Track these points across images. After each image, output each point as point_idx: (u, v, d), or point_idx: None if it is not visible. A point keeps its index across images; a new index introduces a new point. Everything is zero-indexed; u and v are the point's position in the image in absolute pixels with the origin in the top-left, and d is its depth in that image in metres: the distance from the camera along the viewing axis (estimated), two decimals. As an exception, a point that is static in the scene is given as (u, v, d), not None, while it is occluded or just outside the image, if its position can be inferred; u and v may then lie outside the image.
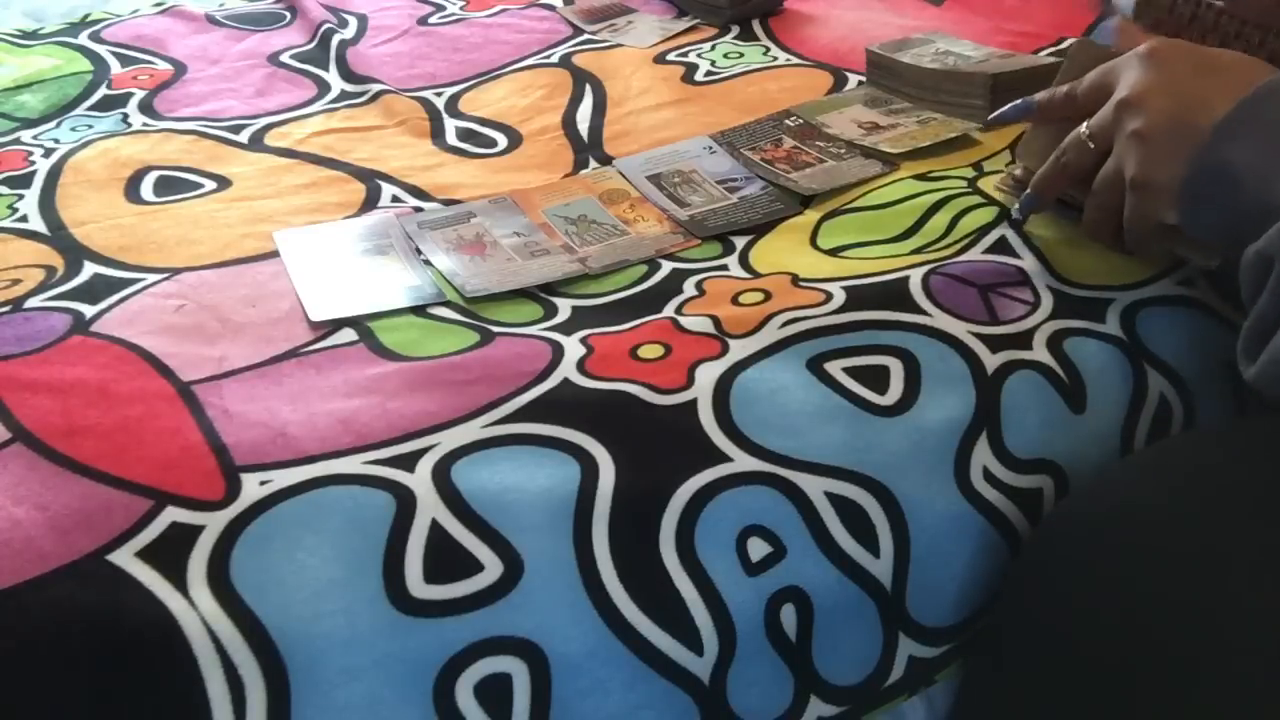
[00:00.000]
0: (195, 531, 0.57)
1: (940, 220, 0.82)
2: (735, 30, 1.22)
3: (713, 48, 1.17)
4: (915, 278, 0.75)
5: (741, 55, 1.15)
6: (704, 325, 0.72)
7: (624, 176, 0.93)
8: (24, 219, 0.89)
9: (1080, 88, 0.75)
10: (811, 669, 0.62)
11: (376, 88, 1.10)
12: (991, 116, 0.83)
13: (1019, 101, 0.80)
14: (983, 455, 0.66)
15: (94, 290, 0.79)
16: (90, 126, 1.06)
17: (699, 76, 1.11)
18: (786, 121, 0.99)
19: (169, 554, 0.56)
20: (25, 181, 0.95)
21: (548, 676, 0.57)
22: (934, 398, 0.67)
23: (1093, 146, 0.72)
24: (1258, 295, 0.60)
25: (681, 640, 0.59)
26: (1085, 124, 0.73)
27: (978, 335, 0.70)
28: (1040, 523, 0.66)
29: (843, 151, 0.94)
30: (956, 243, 0.80)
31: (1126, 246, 0.74)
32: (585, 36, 1.22)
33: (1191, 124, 0.65)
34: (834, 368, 0.68)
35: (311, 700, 0.54)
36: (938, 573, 0.64)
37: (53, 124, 1.07)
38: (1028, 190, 0.78)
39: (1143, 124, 0.68)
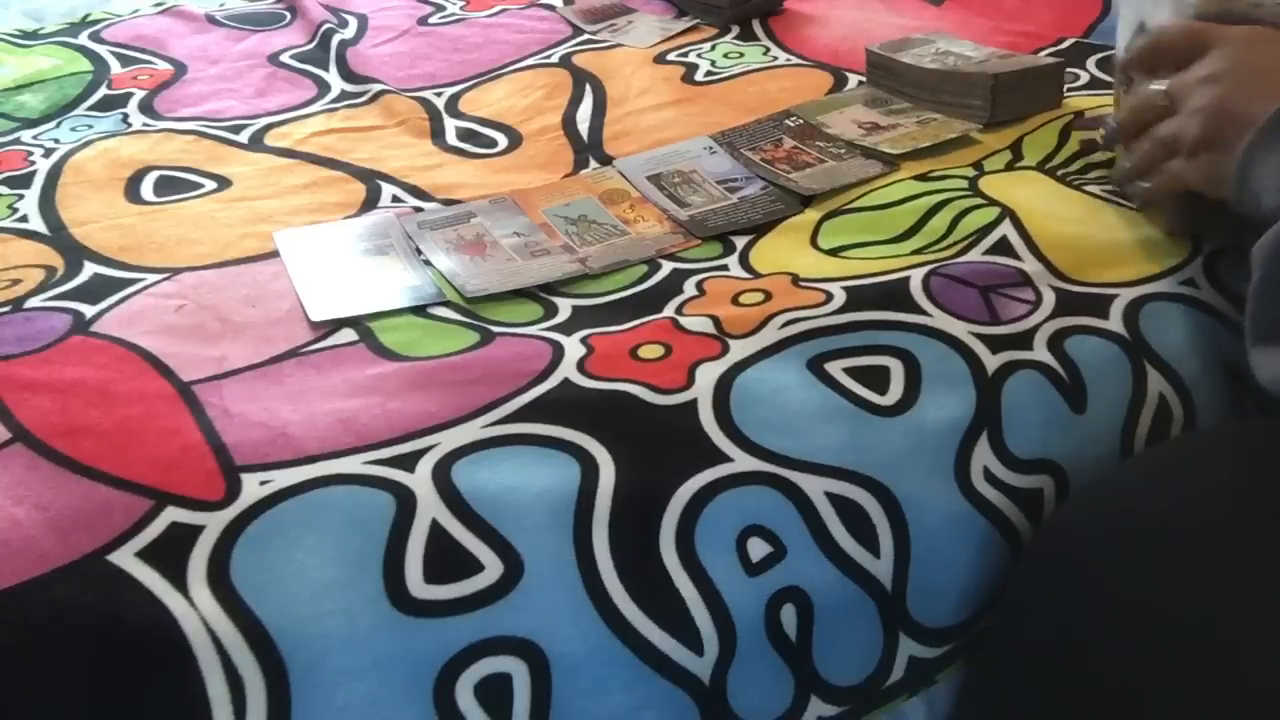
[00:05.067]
0: (195, 531, 0.57)
1: (941, 221, 0.82)
2: (735, 30, 1.22)
3: (713, 48, 1.17)
4: (916, 278, 0.74)
5: (741, 55, 1.15)
6: (704, 325, 0.72)
7: (624, 176, 0.93)
8: (24, 219, 0.89)
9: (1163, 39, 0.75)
10: (812, 669, 0.62)
11: (376, 88, 1.10)
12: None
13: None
14: (983, 455, 0.66)
15: (94, 290, 0.79)
16: (90, 126, 1.06)
17: (699, 76, 1.11)
18: (786, 121, 0.99)
19: (169, 554, 0.56)
20: (25, 181, 0.95)
21: (548, 676, 0.57)
22: (934, 398, 0.67)
23: (1166, 104, 0.73)
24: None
25: (681, 640, 0.59)
26: (1161, 94, 0.73)
27: (978, 335, 0.70)
28: (1042, 525, 0.66)
29: (843, 151, 0.94)
30: (957, 243, 0.79)
31: (1145, 196, 0.77)
32: (585, 36, 1.22)
33: (1250, 117, 0.66)
34: (834, 368, 0.68)
35: (311, 700, 0.54)
36: (938, 573, 0.64)
37: (53, 124, 1.07)
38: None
39: (1211, 101, 0.69)
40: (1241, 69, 0.69)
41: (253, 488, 0.60)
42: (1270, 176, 0.64)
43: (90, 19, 1.32)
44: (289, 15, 1.31)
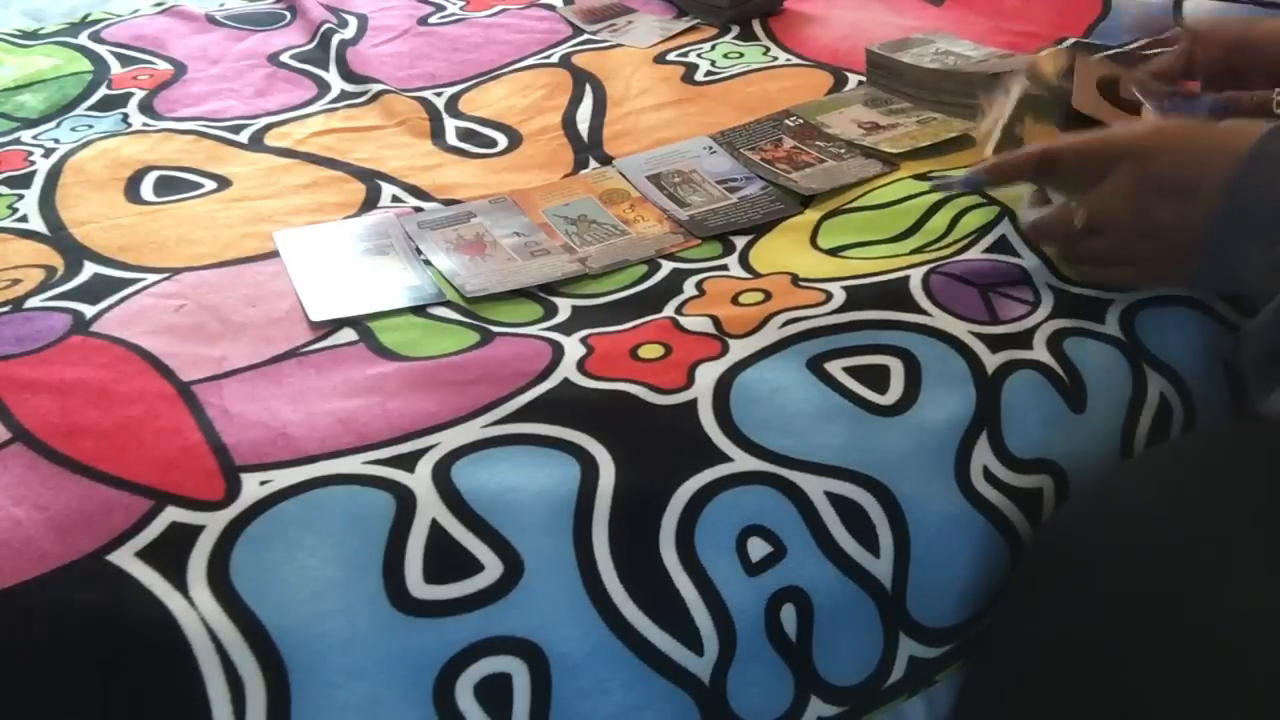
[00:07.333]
0: (195, 531, 0.57)
1: (940, 220, 0.82)
2: (735, 30, 1.22)
3: (713, 48, 1.17)
4: (915, 277, 0.75)
5: (741, 55, 1.15)
6: (704, 325, 0.72)
7: (624, 176, 0.93)
8: (24, 219, 0.89)
9: (1066, 159, 0.73)
10: (812, 669, 0.62)
11: (376, 88, 1.10)
12: (937, 185, 0.82)
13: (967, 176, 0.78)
14: (983, 455, 0.66)
15: (94, 290, 0.79)
16: (90, 126, 1.06)
17: (699, 76, 1.11)
18: (786, 121, 0.99)
19: (169, 554, 0.56)
20: (25, 181, 0.95)
21: (548, 676, 0.57)
22: (934, 397, 0.67)
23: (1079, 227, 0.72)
24: None
25: (681, 640, 0.59)
26: (1080, 216, 0.71)
27: (978, 335, 0.70)
28: (1042, 526, 0.66)
29: (843, 151, 0.94)
30: (956, 242, 0.80)
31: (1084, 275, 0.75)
32: (585, 36, 1.22)
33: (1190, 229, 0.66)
34: (834, 367, 0.68)
35: (311, 700, 0.54)
36: (938, 573, 0.64)
37: (53, 124, 1.07)
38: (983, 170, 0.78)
39: (1151, 249, 0.69)
40: (1157, 183, 0.68)
41: (253, 488, 0.60)
42: (1247, 265, 0.64)
43: (90, 19, 1.31)
44: (289, 15, 1.31)
